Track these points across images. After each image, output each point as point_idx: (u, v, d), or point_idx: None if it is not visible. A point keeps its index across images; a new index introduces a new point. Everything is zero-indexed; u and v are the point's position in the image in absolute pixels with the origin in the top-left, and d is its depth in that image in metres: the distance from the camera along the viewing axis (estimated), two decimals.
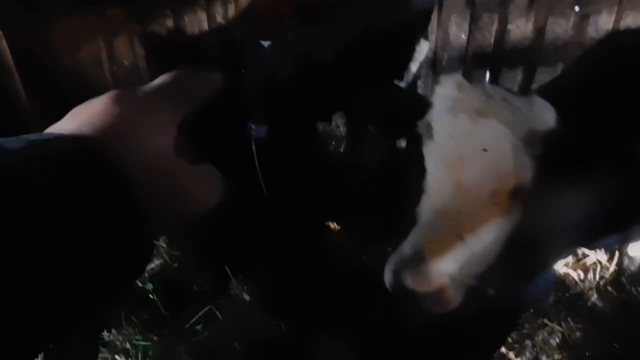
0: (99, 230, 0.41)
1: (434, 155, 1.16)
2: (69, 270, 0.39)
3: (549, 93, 1.22)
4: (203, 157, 0.56)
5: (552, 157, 1.10)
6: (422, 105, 1.23)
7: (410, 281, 1.05)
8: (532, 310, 2.31)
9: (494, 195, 1.10)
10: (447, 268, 1.05)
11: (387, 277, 1.11)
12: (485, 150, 1.09)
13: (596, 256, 2.51)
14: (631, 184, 1.20)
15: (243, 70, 2.37)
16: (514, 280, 1.46)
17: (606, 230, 1.56)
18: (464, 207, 1.09)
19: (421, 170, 1.20)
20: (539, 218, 1.18)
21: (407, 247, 1.10)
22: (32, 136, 0.43)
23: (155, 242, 0.50)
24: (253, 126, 2.37)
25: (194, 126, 0.55)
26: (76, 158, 0.42)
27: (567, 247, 1.47)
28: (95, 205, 0.41)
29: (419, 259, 1.05)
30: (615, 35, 1.83)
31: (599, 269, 2.46)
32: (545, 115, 1.13)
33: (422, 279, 1.04)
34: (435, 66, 3.20)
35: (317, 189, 2.64)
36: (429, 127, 1.18)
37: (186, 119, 0.55)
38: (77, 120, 0.48)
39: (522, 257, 1.27)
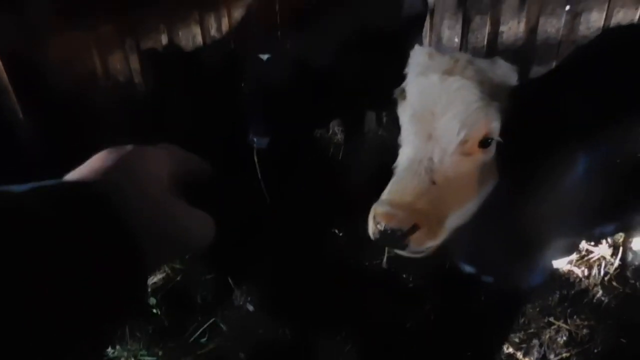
0: (98, 265, 0.44)
1: (407, 112, 1.27)
2: (69, 303, 0.41)
3: (541, 84, 1.34)
4: (197, 198, 0.61)
5: (519, 111, 1.22)
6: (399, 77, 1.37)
7: (384, 219, 1.14)
8: (537, 309, 2.29)
9: (464, 145, 1.21)
10: (420, 206, 1.16)
11: (369, 225, 1.20)
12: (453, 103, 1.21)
13: (600, 252, 2.49)
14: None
15: (242, 84, 2.38)
16: (510, 261, 1.50)
17: (597, 215, 1.59)
18: (436, 156, 1.20)
19: (397, 129, 1.33)
20: (524, 181, 1.31)
21: (384, 193, 1.21)
22: (39, 182, 0.46)
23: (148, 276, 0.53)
24: (255, 138, 2.39)
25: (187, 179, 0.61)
26: (78, 200, 0.45)
27: (560, 229, 1.51)
28: (95, 244, 0.44)
29: (393, 200, 1.17)
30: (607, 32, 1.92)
31: (603, 264, 2.45)
32: (509, 74, 1.25)
33: (395, 216, 1.13)
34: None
35: (317, 195, 2.64)
36: (402, 91, 1.31)
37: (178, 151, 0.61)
38: (79, 171, 0.52)
39: (509, 229, 1.34)
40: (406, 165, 1.23)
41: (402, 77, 1.33)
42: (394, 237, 1.15)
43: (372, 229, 1.20)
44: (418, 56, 1.32)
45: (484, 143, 1.22)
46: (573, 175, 1.40)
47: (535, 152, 1.26)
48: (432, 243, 1.20)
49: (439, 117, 1.21)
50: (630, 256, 2.43)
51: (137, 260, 0.47)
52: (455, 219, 1.24)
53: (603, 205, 1.49)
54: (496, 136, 1.23)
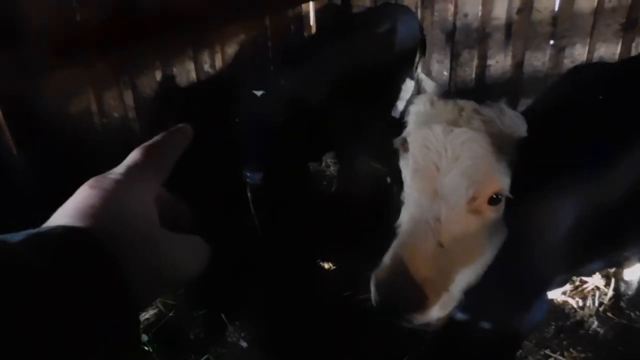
0: (92, 310, 0.45)
1: (410, 166, 1.18)
2: (65, 348, 0.42)
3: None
4: (184, 226, 0.60)
5: (528, 163, 1.14)
6: (399, 126, 1.30)
7: (386, 289, 1.06)
8: (534, 342, 2.28)
9: (473, 203, 1.12)
10: (427, 273, 1.05)
11: (372, 292, 1.12)
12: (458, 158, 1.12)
13: (594, 282, 2.50)
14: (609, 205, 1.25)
15: (236, 120, 2.40)
16: (507, 307, 1.45)
17: (591, 252, 1.59)
18: (442, 215, 1.11)
19: (399, 184, 1.25)
20: (523, 228, 1.23)
21: (387, 258, 1.10)
22: (32, 231, 0.47)
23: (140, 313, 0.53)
24: (248, 173, 2.39)
25: (170, 199, 0.60)
26: (72, 249, 0.46)
27: (555, 269, 1.49)
28: (85, 287, 0.45)
29: (396, 267, 1.06)
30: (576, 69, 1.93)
31: (597, 295, 2.45)
32: (517, 124, 1.17)
33: (399, 285, 1.04)
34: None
35: (311, 229, 2.64)
36: (404, 142, 1.22)
37: (162, 193, 0.59)
38: (66, 211, 0.51)
39: (511, 278, 1.28)
40: (410, 225, 1.13)
41: (399, 124, 1.27)
42: (399, 309, 1.05)
43: (374, 297, 1.11)
44: (419, 104, 1.24)
45: (494, 200, 1.14)
46: (567, 219, 1.37)
47: (539, 201, 1.20)
48: (441, 314, 1.09)
49: (445, 173, 1.12)
50: (623, 286, 2.44)
51: (131, 301, 0.48)
52: (463, 283, 1.14)
53: (592, 245, 1.49)
54: (506, 192, 1.14)
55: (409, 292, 1.02)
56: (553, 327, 2.33)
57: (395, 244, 1.13)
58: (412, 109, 1.26)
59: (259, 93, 2.26)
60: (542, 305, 1.63)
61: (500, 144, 1.13)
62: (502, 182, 1.13)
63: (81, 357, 0.43)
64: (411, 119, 1.25)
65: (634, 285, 2.42)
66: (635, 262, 2.38)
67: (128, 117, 2.51)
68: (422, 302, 1.03)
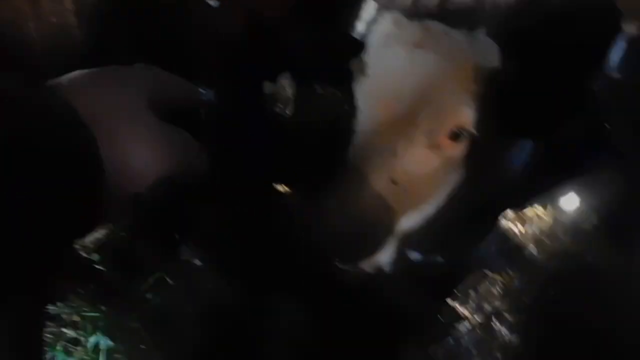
0: (62, 172, 0.45)
1: (365, 91, 1.08)
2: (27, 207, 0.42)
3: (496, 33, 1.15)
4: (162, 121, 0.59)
5: (497, 98, 1.04)
6: (357, 46, 1.15)
7: (335, 229, 0.96)
8: (475, 262, 2.43)
9: (432, 135, 1.03)
10: (377, 214, 0.98)
11: (314, 228, 1.04)
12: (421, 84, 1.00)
13: (535, 209, 2.64)
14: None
15: (187, 30, 2.25)
16: (461, 246, 1.48)
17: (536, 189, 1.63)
18: (399, 148, 1.02)
19: (352, 110, 1.12)
20: (485, 170, 1.19)
21: (335, 192, 1.01)
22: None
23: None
24: (202, 90, 2.28)
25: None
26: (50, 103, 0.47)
27: (506, 206, 1.50)
28: (61, 147, 0.45)
29: (345, 205, 0.97)
30: None
31: (536, 221, 2.61)
32: (490, 53, 1.06)
33: (349, 226, 0.95)
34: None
35: (265, 150, 2.60)
36: (362, 64, 1.11)
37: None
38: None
39: (468, 219, 1.25)
40: (361, 158, 1.03)
41: (359, 45, 1.12)
42: (343, 249, 0.96)
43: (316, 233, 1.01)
44: (382, 24, 1.11)
45: (456, 135, 1.06)
46: (521, 160, 1.32)
47: (502, 143, 1.16)
48: (389, 257, 1.03)
49: (403, 100, 1.01)
50: (558, 214, 2.60)
51: (99, 176, 0.47)
52: (414, 225, 1.09)
53: (539, 182, 1.49)
54: (470, 127, 1.06)
55: (356, 230, 0.94)
56: (494, 249, 2.48)
57: (344, 177, 1.03)
58: (374, 28, 1.13)
59: (213, 2, 2.12)
60: (492, 240, 1.70)
61: (468, 73, 1.03)
62: (466, 115, 1.04)
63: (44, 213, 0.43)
64: (371, 40, 1.13)
65: (569, 213, 2.59)
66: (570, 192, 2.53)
67: (68, 23, 2.29)
68: (370, 243, 0.96)
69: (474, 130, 1.06)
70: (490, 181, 1.24)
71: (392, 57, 1.04)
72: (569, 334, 2.05)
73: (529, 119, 1.06)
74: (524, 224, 2.64)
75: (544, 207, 2.67)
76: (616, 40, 1.66)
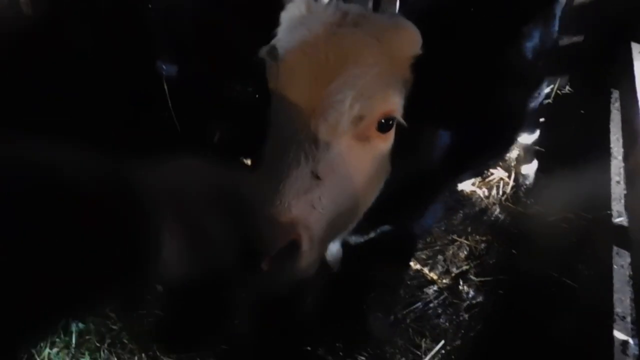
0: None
1: (280, 76, 0.91)
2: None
3: (415, 14, 1.08)
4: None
5: (421, 82, 0.95)
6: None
7: (252, 236, 0.78)
8: (443, 228, 2.46)
9: (358, 124, 0.89)
10: (298, 214, 0.83)
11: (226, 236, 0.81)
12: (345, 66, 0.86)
13: (499, 174, 2.70)
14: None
15: (150, 6, 2.15)
16: (403, 217, 1.47)
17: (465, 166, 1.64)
18: (320, 138, 0.86)
19: (265, 100, 0.95)
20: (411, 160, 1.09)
21: (251, 191, 0.82)
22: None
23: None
24: (163, 65, 2.20)
25: None
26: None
27: (439, 183, 1.47)
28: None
29: (263, 206, 0.81)
30: None
31: (501, 185, 2.66)
32: (413, 39, 0.96)
33: (264, 230, 0.79)
34: None
35: (233, 125, 2.55)
36: (273, 50, 0.94)
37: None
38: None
39: (401, 197, 1.11)
40: (278, 150, 0.86)
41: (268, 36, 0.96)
42: (261, 256, 0.79)
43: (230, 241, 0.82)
44: (293, 10, 0.96)
45: (384, 126, 0.92)
46: (451, 138, 1.27)
47: (430, 123, 1.05)
48: (314, 261, 0.87)
49: (324, 83, 0.86)
50: (521, 179, 2.66)
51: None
52: (341, 225, 0.94)
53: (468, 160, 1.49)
54: (399, 116, 0.93)
55: (276, 236, 0.79)
56: (461, 214, 2.52)
57: (258, 174, 0.88)
58: (285, 15, 0.99)
59: None
60: (434, 212, 1.70)
61: (392, 58, 0.92)
62: (394, 102, 0.92)
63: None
64: (282, 27, 0.99)
65: (530, 177, 2.65)
66: (529, 159, 2.60)
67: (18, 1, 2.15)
68: (292, 248, 0.81)
69: (403, 120, 0.94)
70: (419, 163, 1.18)
71: (309, 36, 0.90)
72: (531, 291, 2.12)
73: (449, 107, 0.96)
74: (489, 188, 2.70)
75: (508, 172, 2.73)
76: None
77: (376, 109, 0.90)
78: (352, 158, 0.90)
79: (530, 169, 2.67)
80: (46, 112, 2.14)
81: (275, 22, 0.97)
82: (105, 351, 1.95)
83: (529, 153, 2.62)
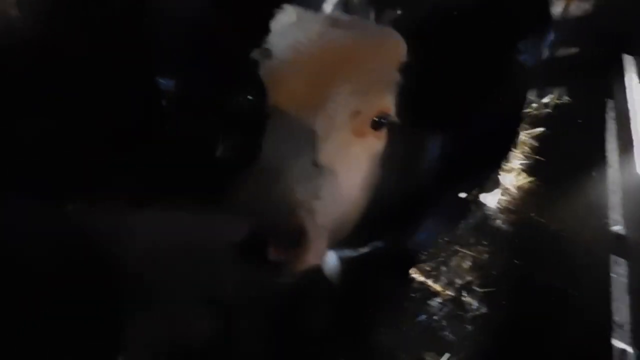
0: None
1: (277, 70, 0.94)
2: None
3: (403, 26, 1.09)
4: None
5: (411, 89, 0.99)
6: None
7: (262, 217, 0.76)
8: (446, 239, 2.50)
9: (356, 117, 0.93)
10: (304, 193, 0.84)
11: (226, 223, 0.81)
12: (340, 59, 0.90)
13: (503, 181, 2.74)
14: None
15: (147, 20, 2.18)
16: (393, 232, 1.47)
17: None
18: (320, 127, 0.89)
19: (260, 98, 0.98)
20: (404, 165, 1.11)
21: (248, 177, 0.85)
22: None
23: None
24: (161, 80, 2.21)
25: None
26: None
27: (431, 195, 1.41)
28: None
29: (264, 190, 0.81)
30: None
31: (504, 194, 2.70)
32: (398, 47, 1.01)
33: (269, 213, 0.77)
34: (347, 6, 3.18)
35: (232, 137, 2.59)
36: (266, 50, 0.97)
37: None
38: None
39: (395, 207, 1.15)
40: (278, 144, 0.88)
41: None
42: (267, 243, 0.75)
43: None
44: (283, 17, 1.00)
45: (378, 123, 0.97)
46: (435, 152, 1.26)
47: (418, 127, 1.07)
48: (320, 250, 0.86)
49: (319, 78, 0.90)
50: (523, 187, 2.71)
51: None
52: (341, 224, 0.96)
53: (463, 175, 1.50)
54: (392, 115, 0.98)
55: (281, 219, 0.77)
56: (463, 225, 2.56)
57: (259, 161, 0.88)
58: (275, 25, 1.02)
59: None
60: (430, 226, 1.71)
61: (383, 60, 0.97)
62: (388, 100, 0.97)
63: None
64: (273, 32, 1.01)
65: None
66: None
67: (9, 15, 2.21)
68: (297, 233, 0.79)
69: (396, 118, 0.99)
70: (409, 175, 1.18)
71: (305, 35, 0.94)
72: (534, 301, 2.15)
73: (439, 110, 1.00)
74: (492, 198, 2.73)
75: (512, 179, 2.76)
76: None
77: (371, 104, 0.95)
78: (350, 151, 0.95)
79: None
80: (42, 125, 2.19)
81: (265, 31, 1.00)
82: None
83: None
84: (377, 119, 0.97)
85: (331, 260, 2.11)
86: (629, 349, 1.66)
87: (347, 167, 0.94)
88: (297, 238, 0.79)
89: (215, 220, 0.68)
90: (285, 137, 0.89)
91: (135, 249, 0.51)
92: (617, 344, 1.68)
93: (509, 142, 2.06)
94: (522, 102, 2.02)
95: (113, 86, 2.26)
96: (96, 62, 2.36)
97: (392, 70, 0.99)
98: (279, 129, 0.91)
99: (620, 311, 1.78)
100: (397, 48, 1.01)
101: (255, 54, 0.99)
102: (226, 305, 0.69)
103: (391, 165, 1.05)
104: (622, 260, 1.96)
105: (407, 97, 1.01)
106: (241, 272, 0.69)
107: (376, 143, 1.00)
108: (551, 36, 1.98)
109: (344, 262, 2.02)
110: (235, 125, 1.12)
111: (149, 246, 0.54)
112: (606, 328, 1.73)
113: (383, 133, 1.00)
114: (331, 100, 0.91)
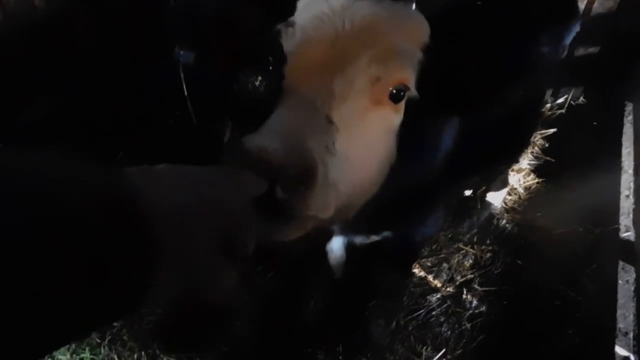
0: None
1: (297, 38, 0.95)
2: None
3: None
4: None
5: (431, 70, 1.00)
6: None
7: (261, 152, 0.77)
8: (449, 236, 2.46)
9: (375, 83, 0.93)
10: (316, 143, 0.85)
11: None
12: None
13: (510, 181, 2.68)
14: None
15: None
16: (405, 222, 1.45)
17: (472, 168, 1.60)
18: (338, 88, 0.90)
19: (280, 56, 0.98)
20: (417, 143, 1.10)
21: (262, 128, 0.85)
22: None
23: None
24: (181, 52, 2.18)
25: None
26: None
27: (442, 185, 1.41)
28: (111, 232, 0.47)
29: (272, 131, 0.83)
30: None
31: (510, 195, 2.65)
32: (422, 27, 1.02)
33: (277, 150, 0.78)
34: None
35: (248, 115, 2.55)
36: (289, 24, 0.99)
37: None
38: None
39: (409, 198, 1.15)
40: (297, 97, 0.90)
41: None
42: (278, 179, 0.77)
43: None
44: None
45: (396, 95, 0.96)
46: (458, 135, 1.25)
47: (437, 113, 1.06)
48: (327, 203, 0.87)
49: (343, 43, 0.91)
50: (532, 187, 2.65)
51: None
52: (352, 197, 0.95)
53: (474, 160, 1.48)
54: (412, 89, 0.97)
55: (292, 159, 0.77)
56: (467, 223, 2.51)
57: (274, 114, 0.89)
58: (299, 3, 1.03)
59: None
60: (436, 219, 1.67)
61: (406, 36, 0.97)
62: (408, 72, 0.96)
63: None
64: (299, 8, 1.03)
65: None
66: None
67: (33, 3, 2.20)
68: (306, 175, 0.80)
69: (415, 91, 0.99)
70: (423, 161, 1.18)
71: (326, 8, 0.96)
72: (535, 303, 2.11)
73: (458, 94, 1.01)
74: (499, 197, 2.69)
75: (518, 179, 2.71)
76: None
77: (391, 73, 0.94)
78: (367, 118, 0.94)
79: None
80: (60, 105, 2.18)
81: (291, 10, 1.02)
82: (106, 347, 1.98)
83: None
84: (395, 91, 0.96)
85: (337, 249, 2.07)
86: (632, 357, 1.61)
87: (362, 133, 0.94)
88: (304, 179, 0.80)
89: (238, 175, 0.70)
90: (301, 97, 0.90)
91: (160, 205, 0.53)
92: (620, 351, 1.63)
93: (524, 139, 2.01)
94: (540, 98, 1.97)
95: (132, 61, 2.24)
96: (117, 34, 2.32)
97: (414, 47, 0.99)
98: (297, 90, 0.92)
99: (625, 319, 1.73)
100: (420, 27, 1.01)
101: (280, 26, 1.00)
102: (248, 260, 0.70)
103: (406, 147, 1.03)
104: (629, 267, 1.90)
105: (427, 77, 0.99)
106: (260, 226, 0.70)
107: (393, 116, 0.99)
108: (577, 29, 1.91)
109: (350, 251, 1.99)
110: (254, 91, 1.12)
111: (174, 201, 0.55)
112: (609, 334, 1.68)
113: (401, 107, 0.99)
114: (351, 64, 0.91)
